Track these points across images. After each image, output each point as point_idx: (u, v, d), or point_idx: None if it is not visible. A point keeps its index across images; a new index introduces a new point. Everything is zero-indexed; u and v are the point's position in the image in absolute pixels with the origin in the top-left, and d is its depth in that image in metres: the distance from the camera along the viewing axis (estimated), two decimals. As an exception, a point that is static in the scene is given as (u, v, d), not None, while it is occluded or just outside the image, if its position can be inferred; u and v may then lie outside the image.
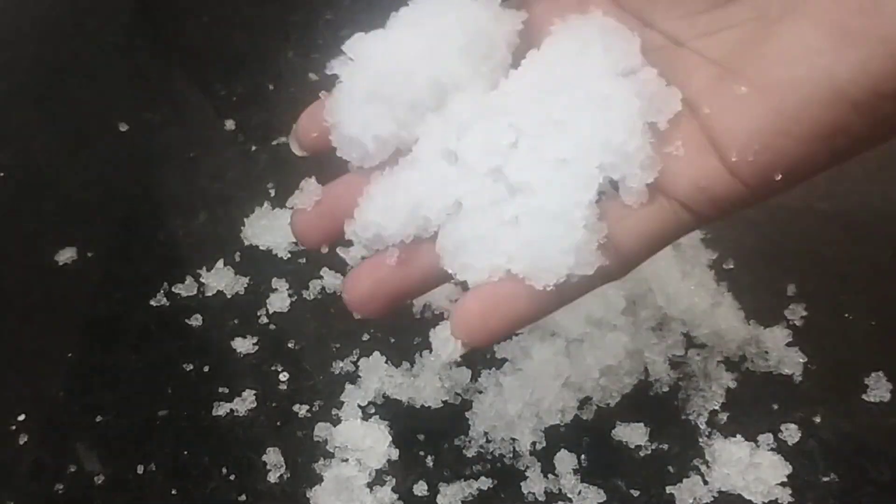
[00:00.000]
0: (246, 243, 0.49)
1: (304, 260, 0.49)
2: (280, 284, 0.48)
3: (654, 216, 0.27)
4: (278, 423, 0.43)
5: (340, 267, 0.48)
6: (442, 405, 0.43)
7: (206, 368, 0.45)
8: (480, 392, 0.43)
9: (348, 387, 0.44)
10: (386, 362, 0.45)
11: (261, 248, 0.49)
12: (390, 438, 0.42)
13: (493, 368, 0.44)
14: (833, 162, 0.26)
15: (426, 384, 0.44)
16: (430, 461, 0.42)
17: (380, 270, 0.29)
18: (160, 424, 0.43)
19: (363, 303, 0.29)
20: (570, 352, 0.44)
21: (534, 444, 0.42)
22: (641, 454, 0.41)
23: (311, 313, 0.47)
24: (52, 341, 0.46)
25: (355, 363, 0.45)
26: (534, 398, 0.43)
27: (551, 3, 0.30)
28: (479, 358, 0.45)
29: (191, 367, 0.45)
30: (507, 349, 0.45)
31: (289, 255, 0.49)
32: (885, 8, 0.22)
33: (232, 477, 0.42)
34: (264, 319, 0.47)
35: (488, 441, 0.42)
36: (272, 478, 0.42)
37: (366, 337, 0.46)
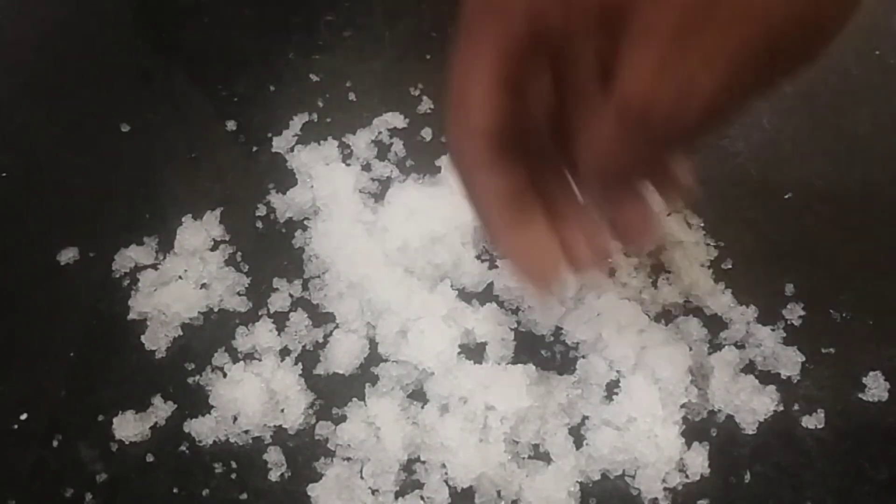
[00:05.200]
0: (248, 242, 0.49)
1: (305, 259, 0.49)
2: (281, 284, 0.48)
3: None
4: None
5: (341, 267, 0.48)
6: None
7: (206, 367, 0.45)
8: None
9: (349, 386, 0.44)
10: (386, 360, 0.45)
11: (262, 247, 0.49)
12: (391, 437, 0.42)
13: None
14: None
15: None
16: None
17: None
18: (162, 423, 0.44)
19: None
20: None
21: (536, 445, 0.42)
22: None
23: (311, 312, 0.47)
24: (53, 341, 0.46)
25: (359, 362, 0.45)
26: (538, 394, 0.43)
27: None
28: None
29: (192, 366, 0.45)
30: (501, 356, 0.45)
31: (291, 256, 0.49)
32: None
33: (233, 475, 0.42)
34: (266, 318, 0.47)
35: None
36: (273, 476, 0.42)
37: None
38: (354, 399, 0.44)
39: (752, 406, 0.43)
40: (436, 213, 0.48)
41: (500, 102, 0.31)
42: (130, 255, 0.49)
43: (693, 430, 0.42)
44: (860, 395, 0.43)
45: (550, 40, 0.29)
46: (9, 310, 0.48)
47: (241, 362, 0.45)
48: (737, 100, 0.27)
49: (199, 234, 0.49)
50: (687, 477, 0.41)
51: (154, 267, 0.48)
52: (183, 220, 0.50)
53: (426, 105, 0.54)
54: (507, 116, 0.31)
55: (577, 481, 0.41)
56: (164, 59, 0.58)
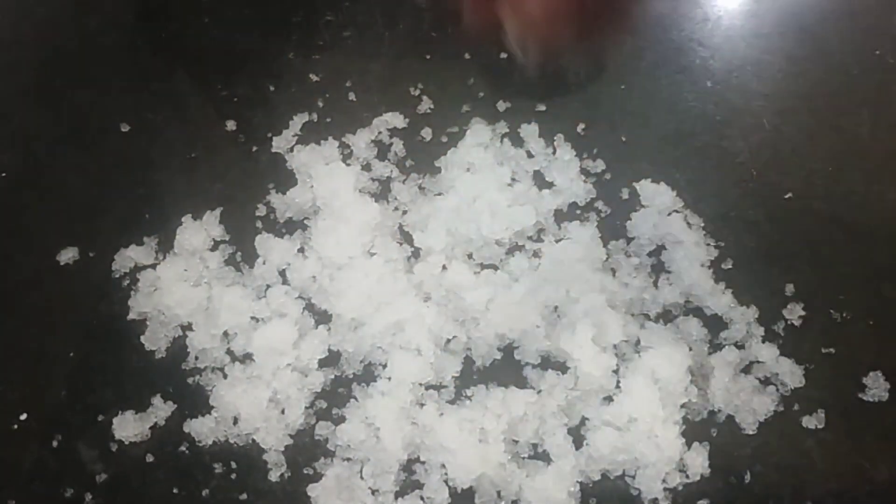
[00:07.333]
0: (248, 242, 0.49)
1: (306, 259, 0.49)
2: (281, 284, 0.48)
3: None
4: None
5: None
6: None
7: (206, 367, 0.45)
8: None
9: (349, 386, 0.44)
10: (386, 362, 0.45)
11: (262, 246, 0.49)
12: (391, 437, 0.42)
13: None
14: None
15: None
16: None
17: None
18: (161, 424, 0.44)
19: None
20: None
21: (535, 445, 0.42)
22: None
23: (311, 312, 0.47)
24: (53, 341, 0.46)
25: (358, 363, 0.45)
26: (534, 398, 0.43)
27: None
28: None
29: (192, 366, 0.45)
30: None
31: (290, 256, 0.49)
32: None
33: (233, 476, 0.42)
34: (266, 318, 0.47)
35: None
36: (273, 476, 0.42)
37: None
38: (354, 399, 0.44)
39: (753, 406, 0.43)
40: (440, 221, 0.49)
41: None
42: (130, 256, 0.49)
43: (693, 431, 0.42)
44: (860, 395, 0.43)
45: None
46: (9, 310, 0.48)
47: (241, 363, 0.45)
48: None
49: (198, 234, 0.49)
50: (687, 477, 0.41)
51: (154, 267, 0.48)
52: (183, 220, 0.50)
53: (426, 105, 0.54)
54: None
55: (578, 481, 0.41)
56: (164, 59, 0.58)
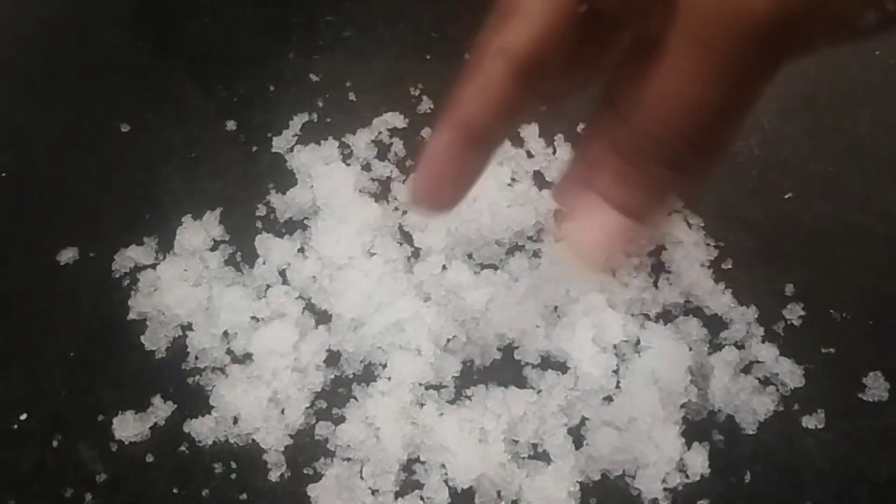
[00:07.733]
0: (248, 242, 0.49)
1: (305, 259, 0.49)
2: (281, 284, 0.48)
3: None
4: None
5: (341, 267, 0.48)
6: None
7: (206, 367, 0.45)
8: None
9: (349, 386, 0.44)
10: (386, 362, 0.45)
11: (262, 246, 0.49)
12: (391, 437, 0.42)
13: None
14: None
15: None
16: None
17: None
18: (161, 424, 0.44)
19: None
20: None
21: (535, 445, 0.42)
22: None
23: (311, 312, 0.47)
24: (53, 341, 0.46)
25: (358, 363, 0.45)
26: (534, 398, 0.43)
27: None
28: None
29: (192, 366, 0.45)
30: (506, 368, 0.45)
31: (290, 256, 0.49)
32: None
33: (233, 476, 0.42)
34: (265, 319, 0.47)
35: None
36: (273, 476, 0.42)
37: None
38: (354, 399, 0.44)
39: (753, 406, 0.43)
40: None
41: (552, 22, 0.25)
42: (130, 256, 0.49)
43: (693, 431, 0.42)
44: (860, 395, 0.43)
45: None
46: (9, 310, 0.48)
47: (241, 363, 0.45)
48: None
49: (198, 234, 0.49)
50: (687, 477, 0.41)
51: (154, 267, 0.48)
52: (183, 220, 0.50)
53: (426, 105, 0.54)
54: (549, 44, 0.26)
55: (578, 481, 0.41)
56: (164, 59, 0.58)
